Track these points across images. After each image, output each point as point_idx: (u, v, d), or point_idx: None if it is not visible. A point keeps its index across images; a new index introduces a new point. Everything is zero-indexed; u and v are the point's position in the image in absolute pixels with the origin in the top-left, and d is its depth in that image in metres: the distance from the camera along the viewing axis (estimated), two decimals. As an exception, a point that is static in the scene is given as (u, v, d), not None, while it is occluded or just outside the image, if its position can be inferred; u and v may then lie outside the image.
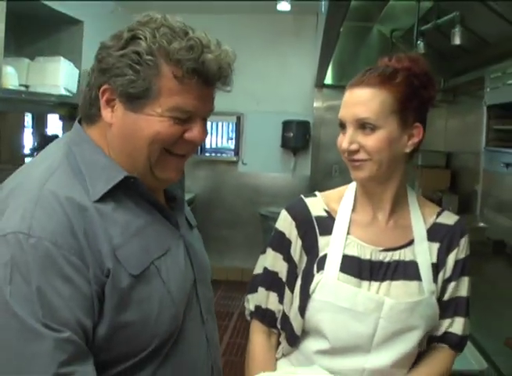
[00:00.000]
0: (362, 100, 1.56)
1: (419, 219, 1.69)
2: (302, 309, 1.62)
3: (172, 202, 1.59)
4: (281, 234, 1.72)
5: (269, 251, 1.75)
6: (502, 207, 4.54)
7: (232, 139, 7.42)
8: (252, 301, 1.77)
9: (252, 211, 7.02)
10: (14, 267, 1.17)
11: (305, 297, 1.62)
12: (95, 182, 1.35)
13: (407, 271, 1.62)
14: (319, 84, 6.61)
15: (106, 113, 1.37)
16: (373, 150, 1.55)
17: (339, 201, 1.71)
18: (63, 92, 4.41)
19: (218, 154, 7.52)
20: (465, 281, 1.69)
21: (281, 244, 1.72)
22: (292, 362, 1.70)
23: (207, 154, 7.47)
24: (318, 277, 1.60)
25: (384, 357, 1.58)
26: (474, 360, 2.23)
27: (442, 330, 1.69)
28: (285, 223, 1.72)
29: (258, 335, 1.77)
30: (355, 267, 1.60)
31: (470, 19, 3.61)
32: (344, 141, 1.58)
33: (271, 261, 1.73)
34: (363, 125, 1.55)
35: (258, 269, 1.78)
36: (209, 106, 1.43)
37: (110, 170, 1.38)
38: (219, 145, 7.79)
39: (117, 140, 1.39)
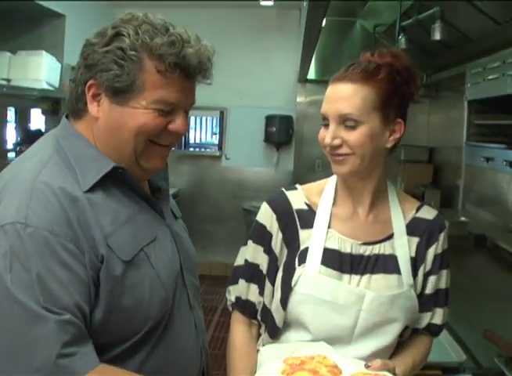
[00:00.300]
0: (345, 96, 1.56)
1: (398, 214, 1.70)
2: (284, 302, 1.62)
3: (157, 193, 1.65)
4: (262, 227, 1.71)
5: (250, 243, 1.74)
6: (484, 202, 4.59)
7: (216, 134, 7.41)
8: (233, 292, 1.77)
9: (235, 206, 7.03)
10: (13, 256, 1.24)
11: (287, 290, 1.62)
12: (85, 173, 1.41)
13: (387, 265, 1.63)
14: (302, 79, 6.62)
15: (92, 107, 1.43)
16: (356, 144, 1.56)
17: (319, 194, 1.72)
18: (45, 86, 4.39)
19: (202, 149, 7.52)
20: (444, 274, 1.72)
21: (262, 237, 1.71)
22: None
23: (191, 149, 7.47)
24: (299, 270, 1.61)
25: (365, 348, 1.60)
26: (453, 352, 2.25)
27: (425, 323, 1.72)
28: (266, 216, 1.72)
29: (239, 326, 1.77)
30: (335, 260, 1.61)
31: (451, 15, 3.64)
32: (326, 136, 1.58)
33: (251, 253, 1.73)
34: (345, 120, 1.56)
35: (239, 261, 1.78)
36: (191, 98, 1.49)
37: (99, 161, 1.43)
38: (203, 140, 7.79)
39: (104, 133, 1.44)
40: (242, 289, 1.75)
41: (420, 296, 1.67)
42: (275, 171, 7.04)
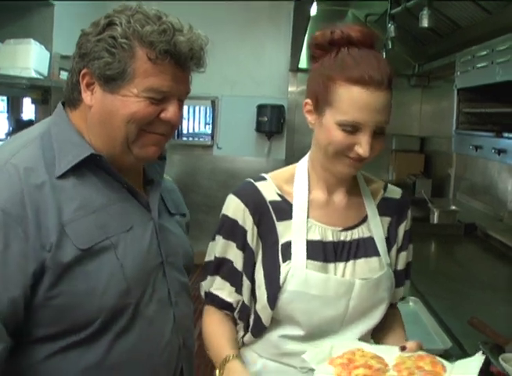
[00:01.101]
0: (384, 106, 1.48)
1: (368, 195, 1.70)
2: (272, 301, 1.57)
3: (149, 185, 1.65)
4: (233, 222, 1.63)
5: (219, 239, 1.66)
6: (475, 191, 4.60)
7: (209, 124, 7.39)
8: (204, 287, 1.73)
9: (226, 195, 6.94)
10: None
11: (275, 288, 1.57)
12: (63, 158, 1.43)
13: (367, 248, 1.64)
14: (294, 68, 6.61)
15: (86, 96, 1.45)
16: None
17: (290, 183, 1.66)
18: (34, 75, 4.35)
19: (196, 139, 7.51)
20: (411, 248, 1.77)
21: (233, 233, 1.63)
22: (256, 351, 1.68)
23: (184, 139, 7.45)
24: (285, 268, 1.56)
25: (353, 333, 1.61)
26: (438, 339, 2.25)
27: (400, 297, 1.77)
28: (237, 210, 1.63)
29: (211, 313, 1.72)
30: (319, 252, 1.58)
31: (441, 3, 3.62)
32: (363, 148, 1.47)
33: (221, 249, 1.66)
34: (377, 129, 1.49)
35: (209, 257, 1.72)
36: (184, 87, 1.50)
37: (79, 148, 1.45)
38: (196, 130, 7.77)
39: (97, 121, 1.46)
40: (211, 284, 1.70)
41: (394, 272, 1.69)
42: (267, 161, 7.02)
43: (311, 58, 1.61)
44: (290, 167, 1.72)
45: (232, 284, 1.66)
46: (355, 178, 1.70)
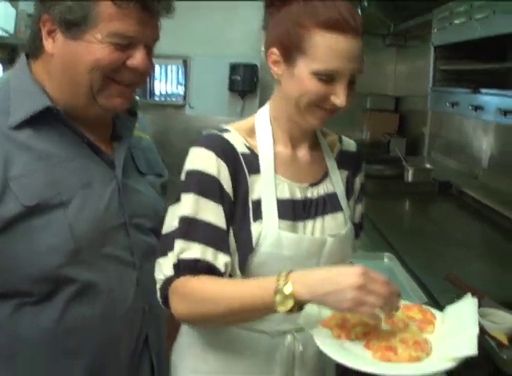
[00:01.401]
0: (359, 54, 1.42)
1: (327, 150, 1.67)
2: (243, 264, 1.47)
3: (116, 141, 1.58)
4: (205, 176, 1.44)
5: (189, 197, 1.44)
6: (450, 149, 4.60)
7: (181, 84, 7.28)
8: (167, 262, 1.44)
9: (200, 156, 6.91)
10: None
11: (247, 250, 1.46)
12: (18, 108, 1.36)
13: (333, 203, 1.61)
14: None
15: (47, 43, 1.39)
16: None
17: (253, 136, 1.56)
18: (0, 33, 4.26)
19: (168, 99, 7.40)
20: (364, 199, 1.78)
21: (209, 188, 1.45)
22: None
23: (156, 99, 7.34)
24: (257, 228, 1.47)
25: None
26: (414, 295, 2.27)
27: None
28: (208, 163, 1.45)
29: (193, 279, 1.41)
30: (289, 210, 1.52)
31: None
32: (339, 97, 1.41)
33: (193, 209, 1.43)
34: (350, 78, 1.44)
35: (171, 226, 1.47)
36: (151, 32, 1.43)
37: (37, 98, 1.38)
38: (169, 91, 7.66)
39: (59, 70, 1.40)
40: (182, 250, 1.43)
41: (353, 225, 1.68)
42: (240, 120, 6.93)
43: (269, 7, 1.56)
44: (248, 120, 1.64)
45: (215, 248, 1.44)
46: (314, 132, 1.65)
